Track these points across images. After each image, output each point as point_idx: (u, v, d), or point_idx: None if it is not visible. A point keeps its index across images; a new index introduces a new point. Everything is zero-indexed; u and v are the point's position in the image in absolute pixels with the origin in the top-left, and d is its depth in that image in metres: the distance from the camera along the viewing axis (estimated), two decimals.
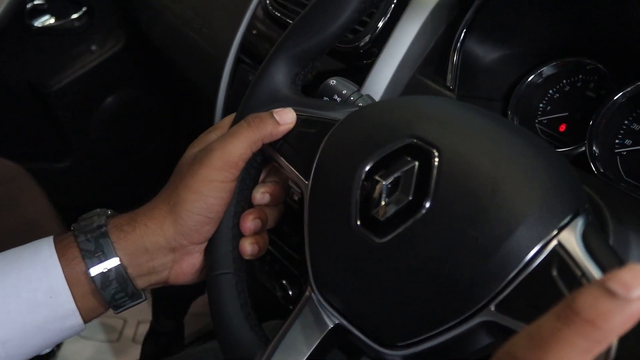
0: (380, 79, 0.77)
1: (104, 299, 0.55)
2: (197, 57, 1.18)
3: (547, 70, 0.74)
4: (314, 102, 0.57)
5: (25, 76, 1.56)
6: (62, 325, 0.54)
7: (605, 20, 0.65)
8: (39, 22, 1.54)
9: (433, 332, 0.42)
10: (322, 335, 0.49)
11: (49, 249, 0.54)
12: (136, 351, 1.45)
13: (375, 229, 0.45)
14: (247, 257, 0.57)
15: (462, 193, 0.41)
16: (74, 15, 1.57)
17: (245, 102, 0.58)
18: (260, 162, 0.59)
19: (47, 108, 1.59)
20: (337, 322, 0.49)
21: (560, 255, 0.38)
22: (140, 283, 0.57)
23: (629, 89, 0.65)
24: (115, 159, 1.67)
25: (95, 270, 0.54)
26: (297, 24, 0.57)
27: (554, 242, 0.39)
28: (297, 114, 0.56)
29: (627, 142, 0.66)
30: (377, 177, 0.46)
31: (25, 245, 0.55)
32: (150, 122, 1.69)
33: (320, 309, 0.50)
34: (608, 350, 0.31)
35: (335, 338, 0.50)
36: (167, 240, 0.56)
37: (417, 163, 0.44)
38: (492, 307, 0.39)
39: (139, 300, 0.57)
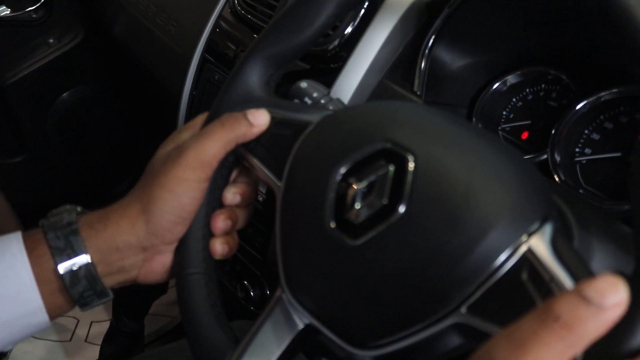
0: (349, 82, 0.77)
1: (72, 296, 0.54)
2: (162, 54, 1.17)
3: (511, 78, 0.76)
4: (287, 104, 0.57)
5: None
6: (28, 322, 0.53)
7: (569, 33, 0.67)
8: None
9: (404, 334, 0.43)
10: (293, 336, 0.50)
11: (17, 244, 0.53)
12: (89, 351, 1.43)
13: (349, 231, 0.45)
14: (217, 257, 0.57)
15: (436, 198, 0.42)
16: (31, 7, 1.54)
17: (219, 102, 0.58)
18: (232, 162, 0.59)
19: (1, 101, 1.55)
20: (307, 322, 0.49)
21: (530, 260, 0.39)
22: (109, 281, 0.56)
23: (590, 99, 0.67)
24: (72, 156, 1.64)
25: (64, 268, 0.53)
26: (274, 26, 0.57)
27: (524, 248, 0.40)
28: (270, 116, 0.56)
29: (587, 151, 0.69)
30: (351, 180, 0.46)
31: None
32: (109, 119, 1.66)
33: (291, 309, 0.50)
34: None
35: (306, 338, 0.50)
36: (139, 239, 0.55)
37: (392, 167, 0.45)
38: (464, 310, 0.41)
39: (107, 299, 0.57)
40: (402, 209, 0.43)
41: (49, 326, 0.55)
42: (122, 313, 1.13)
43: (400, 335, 0.43)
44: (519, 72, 0.76)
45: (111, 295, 0.57)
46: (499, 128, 0.77)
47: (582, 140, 0.69)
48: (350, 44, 0.80)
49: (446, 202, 0.42)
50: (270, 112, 0.56)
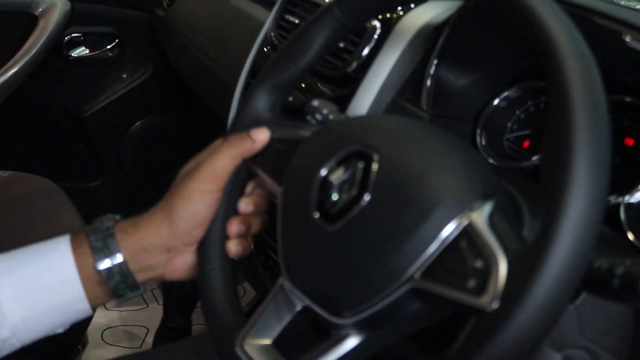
0: (364, 101, 0.86)
1: (108, 288, 0.64)
2: (214, 84, 1.29)
3: (512, 93, 0.82)
4: (288, 124, 0.67)
5: (62, 102, 1.69)
6: (72, 308, 0.64)
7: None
8: (76, 53, 1.68)
9: (372, 300, 0.51)
10: (292, 316, 0.58)
11: (65, 244, 0.64)
12: None
13: (329, 219, 0.55)
14: (232, 256, 0.67)
15: (395, 186, 0.52)
16: (108, 47, 1.71)
17: (231, 126, 0.69)
18: (245, 176, 0.68)
19: (82, 132, 1.71)
20: (303, 304, 0.57)
21: (468, 232, 0.47)
22: (140, 277, 0.66)
23: None
24: (144, 179, 1.79)
25: (101, 264, 0.64)
26: (275, 60, 0.68)
27: (465, 221, 0.48)
28: (272, 134, 0.66)
29: None
30: (330, 178, 0.56)
31: (47, 241, 0.66)
32: (176, 145, 1.80)
33: (290, 294, 0.58)
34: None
35: (304, 317, 0.58)
36: (163, 241, 0.65)
37: (361, 164, 0.54)
38: (418, 276, 0.49)
39: (138, 292, 0.67)
40: (367, 197, 0.52)
41: (91, 314, 0.66)
42: (172, 310, 1.24)
43: (369, 302, 0.51)
44: (518, 87, 0.81)
45: (142, 290, 0.67)
46: (504, 138, 0.83)
47: None
48: (367, 66, 0.88)
49: (403, 188, 0.51)
50: (272, 130, 0.66)
